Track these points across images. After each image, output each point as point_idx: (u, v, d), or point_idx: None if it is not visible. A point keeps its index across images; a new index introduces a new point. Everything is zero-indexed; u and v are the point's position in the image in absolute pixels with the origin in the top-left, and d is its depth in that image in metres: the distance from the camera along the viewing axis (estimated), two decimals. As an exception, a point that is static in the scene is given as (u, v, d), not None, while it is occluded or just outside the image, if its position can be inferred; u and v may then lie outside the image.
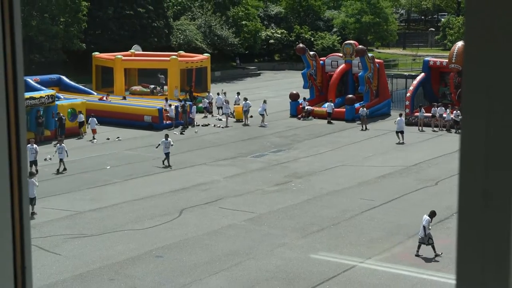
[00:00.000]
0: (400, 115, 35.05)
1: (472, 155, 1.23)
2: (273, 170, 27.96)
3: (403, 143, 33.32)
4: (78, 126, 35.30)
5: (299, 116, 40.96)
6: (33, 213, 21.71)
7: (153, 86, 45.27)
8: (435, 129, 37.02)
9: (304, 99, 41.87)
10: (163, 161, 28.40)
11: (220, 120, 39.93)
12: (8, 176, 1.26)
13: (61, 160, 27.48)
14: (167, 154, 28.40)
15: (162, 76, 45.76)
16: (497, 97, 1.19)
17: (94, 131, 34.67)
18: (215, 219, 21.17)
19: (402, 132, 33.70)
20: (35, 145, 27.26)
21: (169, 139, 28.89)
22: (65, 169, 27.48)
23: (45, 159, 28.58)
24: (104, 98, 40.15)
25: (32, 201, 21.72)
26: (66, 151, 27.57)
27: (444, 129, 37.07)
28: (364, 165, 28.77)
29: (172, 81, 44.11)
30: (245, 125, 38.65)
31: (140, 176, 26.77)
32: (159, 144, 28.72)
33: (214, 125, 38.72)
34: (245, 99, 39.51)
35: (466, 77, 1.23)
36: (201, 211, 22.08)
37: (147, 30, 58.40)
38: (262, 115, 38.82)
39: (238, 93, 42.46)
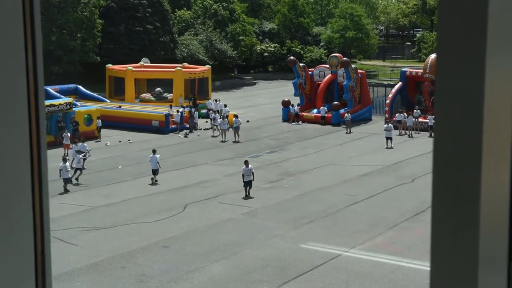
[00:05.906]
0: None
1: (444, 155, 1.24)
2: (267, 169, 27.92)
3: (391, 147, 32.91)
4: (96, 130, 35.34)
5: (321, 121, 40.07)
6: (155, 181, 24.93)
7: (157, 89, 45.26)
8: (413, 134, 36.35)
9: (324, 104, 40.74)
10: (246, 189, 22.96)
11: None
12: (29, 174, 1.26)
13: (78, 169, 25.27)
14: (249, 182, 22.82)
15: (162, 88, 45.75)
16: (465, 103, 1.20)
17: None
18: (216, 213, 21.13)
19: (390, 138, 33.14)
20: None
21: (250, 166, 23.04)
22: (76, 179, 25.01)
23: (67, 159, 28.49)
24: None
25: (156, 172, 24.99)
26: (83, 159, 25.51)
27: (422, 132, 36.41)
28: (348, 165, 28.76)
29: (177, 90, 44.07)
30: (236, 142, 34.07)
31: (149, 175, 26.64)
32: (243, 174, 23.04)
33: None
34: (236, 116, 35.13)
35: (439, 85, 1.23)
36: (203, 206, 22.04)
37: (155, 45, 58.38)
38: (224, 130, 34.75)
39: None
